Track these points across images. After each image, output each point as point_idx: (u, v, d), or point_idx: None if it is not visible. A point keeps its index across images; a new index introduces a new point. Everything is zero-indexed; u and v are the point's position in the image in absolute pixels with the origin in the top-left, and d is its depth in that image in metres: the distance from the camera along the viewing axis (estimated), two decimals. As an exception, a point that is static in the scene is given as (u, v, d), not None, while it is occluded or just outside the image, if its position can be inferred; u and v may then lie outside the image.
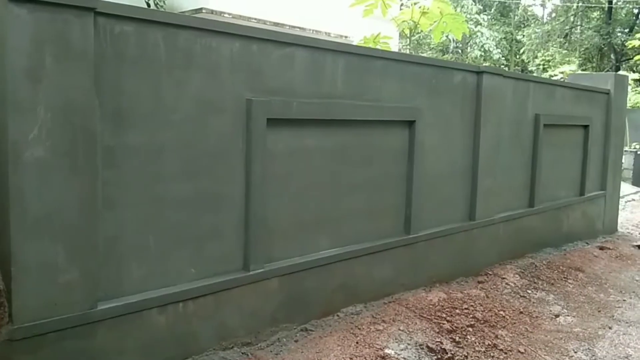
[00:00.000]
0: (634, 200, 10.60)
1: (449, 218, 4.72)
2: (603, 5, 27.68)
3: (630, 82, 14.14)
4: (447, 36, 30.43)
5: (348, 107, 3.65)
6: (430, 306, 4.01)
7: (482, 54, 30.93)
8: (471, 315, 3.99)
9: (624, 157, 12.47)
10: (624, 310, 4.77)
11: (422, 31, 5.57)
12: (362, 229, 3.90)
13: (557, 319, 4.38)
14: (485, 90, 4.85)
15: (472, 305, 4.16)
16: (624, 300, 5.02)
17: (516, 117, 5.46)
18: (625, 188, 11.46)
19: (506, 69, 31.08)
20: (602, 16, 28.34)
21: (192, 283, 2.90)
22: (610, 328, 4.27)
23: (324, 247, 3.64)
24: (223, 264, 3.07)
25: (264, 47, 3.15)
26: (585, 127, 6.80)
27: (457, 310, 4.02)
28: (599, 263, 5.99)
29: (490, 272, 5.11)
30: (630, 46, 15.09)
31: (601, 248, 6.58)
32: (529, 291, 4.88)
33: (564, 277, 5.38)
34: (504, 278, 5.03)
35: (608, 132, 7.33)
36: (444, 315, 3.90)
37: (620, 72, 8.00)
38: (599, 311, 4.65)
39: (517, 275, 5.14)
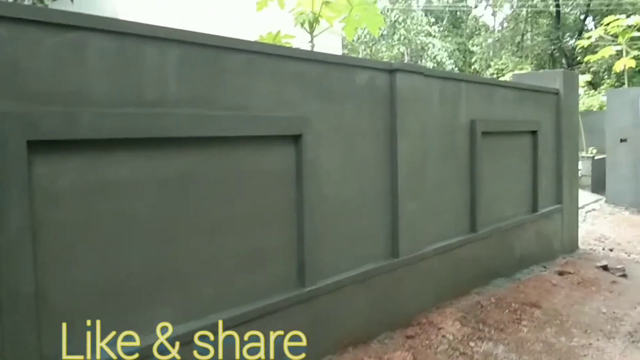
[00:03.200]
0: (594, 210, 9.78)
1: (363, 257, 3.65)
2: (552, 11, 27.59)
3: (582, 84, 13.56)
4: (398, 49, 29.99)
5: (190, 119, 2.56)
6: (332, 388, 2.91)
7: (435, 65, 30.49)
8: (387, 397, 2.91)
9: (580, 163, 11.74)
10: (591, 358, 3.77)
11: (330, 26, 4.56)
12: (227, 289, 2.79)
13: (506, 385, 3.34)
14: (400, 93, 3.84)
15: (391, 379, 3.09)
16: (590, 344, 4.02)
17: (446, 125, 4.47)
18: (585, 197, 10.67)
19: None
20: (550, 22, 28.23)
21: None
22: (574, 394, 3.24)
23: (165, 320, 2.51)
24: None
25: (25, 31, 2.04)
26: (533, 132, 5.88)
27: (369, 391, 2.93)
28: (559, 294, 5.00)
29: (423, 321, 4.05)
30: (579, 46, 14.51)
31: (560, 273, 5.61)
32: (472, 343, 3.83)
33: (517, 318, 4.35)
34: (440, 328, 3.97)
35: (560, 137, 6.44)
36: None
37: (570, 71, 7.14)
38: (560, 366, 3.64)
39: (457, 322, 4.09)
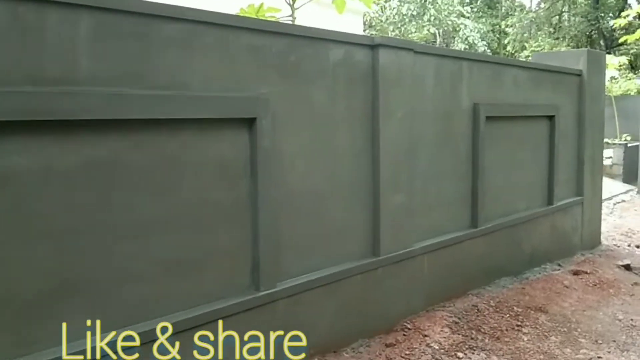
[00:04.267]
0: (624, 201, 9.11)
1: (337, 256, 3.26)
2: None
3: (618, 66, 12.72)
4: (428, 30, 29.05)
5: (107, 98, 2.19)
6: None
7: (467, 47, 29.48)
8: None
9: (611, 150, 11.01)
10: (597, 376, 3.33)
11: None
12: (158, 295, 2.44)
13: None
14: (384, 72, 3.39)
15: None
16: (599, 357, 3.55)
17: (443, 109, 4.00)
18: (615, 187, 9.99)
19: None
20: (589, 1, 26.85)
21: None
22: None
23: (76, 330, 2.18)
24: None
25: None
26: (550, 117, 5.34)
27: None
28: (570, 297, 4.52)
29: (409, 326, 3.65)
30: (616, 25, 13.61)
31: (575, 273, 5.10)
32: (460, 354, 3.41)
33: (518, 325, 3.91)
34: (426, 335, 3.56)
35: (582, 124, 5.87)
36: None
37: (596, 50, 6.51)
38: (558, 385, 3.21)
39: (447, 329, 3.67)
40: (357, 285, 3.34)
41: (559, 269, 5.22)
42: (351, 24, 15.76)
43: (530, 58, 28.24)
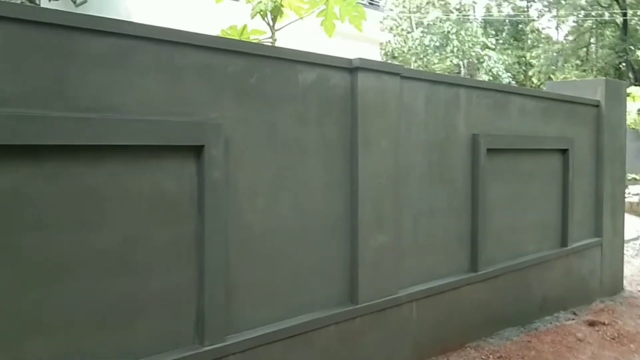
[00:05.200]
0: (651, 241, 8.49)
1: (305, 304, 2.87)
2: (618, 22, 25.70)
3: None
4: (451, 61, 28.82)
5: (12, 120, 1.88)
6: None
7: (491, 78, 29.14)
8: None
9: (639, 187, 10.40)
10: None
11: (300, 18, 3.82)
12: (86, 347, 2.08)
13: None
14: (365, 97, 3.05)
15: None
16: None
17: (436, 139, 3.62)
18: (643, 226, 9.36)
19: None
20: (617, 33, 26.30)
21: None
22: None
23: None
24: None
25: None
26: (564, 151, 4.91)
27: None
28: (583, 352, 4.01)
29: (391, 385, 3.21)
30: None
31: (591, 323, 4.58)
32: (448, 422, 2.95)
33: (519, 385, 3.43)
34: (410, 396, 3.11)
35: (600, 158, 5.41)
36: None
37: (615, 80, 6.05)
38: None
39: (435, 389, 3.22)
40: (329, 338, 2.93)
41: (573, 319, 4.70)
42: (367, 54, 15.61)
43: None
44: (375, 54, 14.37)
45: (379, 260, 3.17)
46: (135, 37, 2.19)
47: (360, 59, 2.99)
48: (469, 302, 3.85)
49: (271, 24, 3.60)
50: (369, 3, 14.45)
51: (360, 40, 14.12)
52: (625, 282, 6.03)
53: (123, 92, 2.17)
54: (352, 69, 3.02)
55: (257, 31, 4.05)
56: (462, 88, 3.79)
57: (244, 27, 3.97)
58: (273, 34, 3.63)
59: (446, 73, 31.90)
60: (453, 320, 3.72)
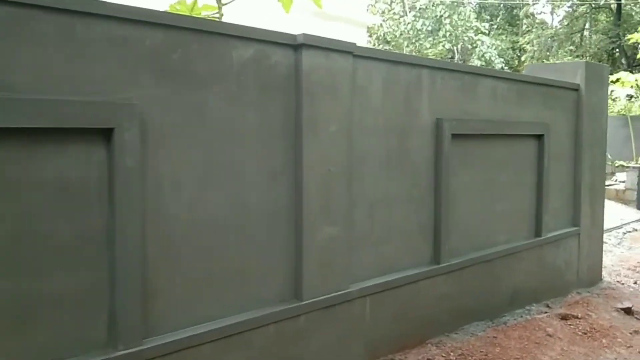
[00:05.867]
0: (635, 230, 8.30)
1: (240, 303, 2.64)
2: (613, 7, 25.36)
3: (634, 83, 11.85)
4: (443, 46, 28.41)
5: None
6: None
7: (483, 64, 28.81)
8: None
9: (626, 174, 10.20)
10: None
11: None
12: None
13: None
14: (310, 77, 2.80)
15: None
16: None
17: (396, 123, 3.38)
18: (627, 214, 9.18)
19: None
20: (610, 18, 25.97)
21: None
22: None
23: None
24: None
25: None
26: (539, 137, 4.68)
27: None
28: (552, 349, 3.82)
29: (339, 386, 3.00)
30: (632, 41, 12.82)
31: (564, 317, 4.39)
32: None
33: (479, 386, 3.23)
34: (358, 399, 2.91)
35: (579, 144, 5.18)
36: None
37: (597, 63, 5.80)
38: None
39: (387, 391, 3.01)
40: (269, 338, 2.72)
41: (545, 312, 4.51)
42: (353, 38, 15.16)
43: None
44: (362, 38, 14.01)
45: (327, 253, 2.95)
46: (31, 5, 1.93)
47: (305, 35, 2.74)
48: (430, 296, 3.64)
49: (218, -3, 3.33)
50: (356, -16, 14.08)
51: (344, 23, 13.77)
52: (604, 273, 5.85)
53: (16, 67, 1.92)
54: (296, 45, 2.76)
55: (210, 7, 3.78)
56: (425, 69, 3.54)
57: (194, 2, 3.70)
58: (220, 8, 3.36)
59: (439, 58, 31.59)
60: (412, 315, 3.51)
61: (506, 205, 4.38)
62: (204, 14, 3.78)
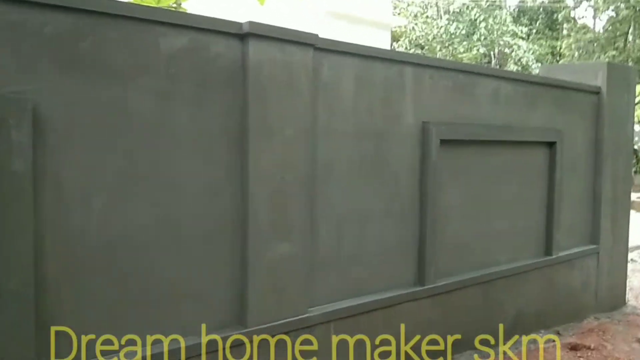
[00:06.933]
0: (670, 248, 7.61)
1: (168, 331, 2.30)
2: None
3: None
4: (478, 50, 27.62)
5: None
6: None
7: (520, 69, 27.92)
8: None
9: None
10: None
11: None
12: None
13: None
14: (260, 73, 2.45)
15: None
16: None
17: (371, 127, 3.00)
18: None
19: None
20: (656, 21, 24.79)
21: None
22: None
23: None
24: None
25: None
26: (550, 144, 4.20)
27: None
28: (553, 386, 3.34)
29: None
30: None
31: (573, 347, 3.90)
32: None
33: None
34: None
35: (599, 154, 4.67)
36: None
37: (621, 64, 5.23)
38: None
39: None
40: (206, 370, 2.36)
41: (553, 341, 4.02)
42: (379, 38, 14.73)
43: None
44: (385, 40, 13.60)
45: (280, 273, 2.58)
46: None
47: (251, 23, 2.38)
48: (412, 321, 3.22)
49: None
50: (379, -16, 13.71)
51: (367, 25, 13.36)
52: (630, 296, 5.30)
53: None
54: (242, 35, 2.41)
55: (179, -2, 3.48)
56: (409, 66, 3.14)
57: (163, -10, 3.40)
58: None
59: (473, 63, 30.80)
60: (388, 343, 3.10)
61: (509, 220, 3.92)
62: (172, 5, 3.48)
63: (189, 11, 3.28)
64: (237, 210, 2.47)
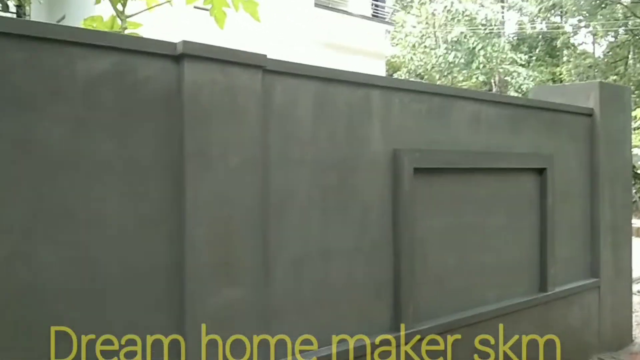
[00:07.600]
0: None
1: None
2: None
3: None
4: (477, 78, 27.54)
5: None
6: None
7: (520, 96, 27.78)
8: None
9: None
10: None
11: (157, 5, 3.01)
12: None
13: None
14: (197, 98, 2.19)
15: None
16: None
17: (334, 156, 2.72)
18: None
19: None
20: (655, 46, 24.71)
21: None
22: None
23: None
24: None
25: None
26: (541, 170, 3.91)
27: None
28: None
29: None
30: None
31: (573, 395, 3.52)
32: None
33: None
34: None
35: (595, 179, 4.37)
36: None
37: (615, 83, 4.98)
38: None
39: None
40: None
41: (551, 387, 3.65)
42: (374, 68, 14.62)
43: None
44: (380, 69, 13.46)
45: (226, 321, 2.27)
46: None
47: (186, 43, 2.14)
48: (387, 372, 2.88)
49: (121, 9, 2.79)
50: (373, 15, 13.64)
51: (361, 55, 13.24)
52: (637, 332, 4.95)
53: None
54: (177, 56, 2.16)
55: (135, 24, 3.26)
56: (376, 89, 2.88)
57: (113, 17, 3.18)
58: (123, 20, 2.82)
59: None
60: (360, 399, 2.76)
61: (497, 254, 3.61)
62: (128, 32, 3.26)
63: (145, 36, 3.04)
64: (172, 251, 2.18)
